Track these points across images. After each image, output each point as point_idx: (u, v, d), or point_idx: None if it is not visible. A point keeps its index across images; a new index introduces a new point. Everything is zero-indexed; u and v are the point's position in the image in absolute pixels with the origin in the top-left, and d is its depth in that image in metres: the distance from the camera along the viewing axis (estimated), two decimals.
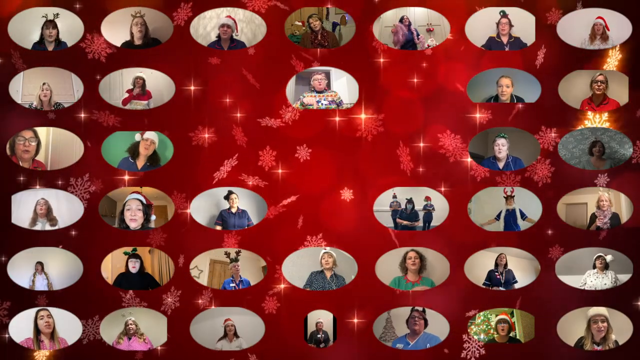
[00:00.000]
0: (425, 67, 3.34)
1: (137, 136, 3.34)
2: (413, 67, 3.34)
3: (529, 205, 3.33)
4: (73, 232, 3.35)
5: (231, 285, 3.37)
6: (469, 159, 3.33)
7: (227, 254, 3.37)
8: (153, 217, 3.34)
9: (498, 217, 3.36)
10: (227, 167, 3.34)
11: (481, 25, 3.37)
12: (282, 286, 3.36)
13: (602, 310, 3.29)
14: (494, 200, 3.36)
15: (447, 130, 3.33)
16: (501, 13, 3.38)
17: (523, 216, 3.34)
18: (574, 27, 3.32)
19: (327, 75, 3.41)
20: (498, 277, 3.35)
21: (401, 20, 3.40)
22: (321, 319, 3.39)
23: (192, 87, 3.33)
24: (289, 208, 3.35)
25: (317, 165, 3.35)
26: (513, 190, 3.33)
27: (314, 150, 3.34)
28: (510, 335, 3.36)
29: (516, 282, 3.35)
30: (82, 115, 3.34)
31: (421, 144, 3.33)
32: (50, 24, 3.37)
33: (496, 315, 3.36)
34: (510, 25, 3.37)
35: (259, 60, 3.35)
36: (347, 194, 3.34)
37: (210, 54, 3.34)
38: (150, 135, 3.35)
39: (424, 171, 3.34)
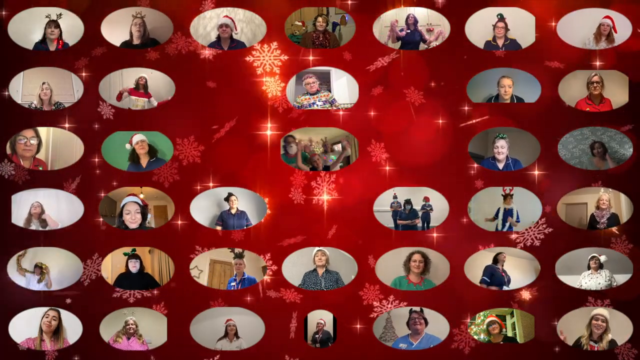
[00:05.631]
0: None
1: (127, 146, 3.37)
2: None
3: (527, 207, 3.33)
4: (72, 232, 3.36)
5: (231, 284, 3.37)
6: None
7: (232, 250, 3.37)
8: (149, 216, 3.38)
9: (496, 215, 3.36)
10: None
11: (480, 27, 3.38)
12: None
13: (603, 311, 3.30)
14: (493, 199, 3.36)
15: None
16: (499, 16, 3.37)
17: (518, 219, 3.34)
18: (575, 27, 3.33)
19: (318, 76, 3.40)
20: (503, 275, 3.34)
21: (407, 19, 3.40)
22: (322, 319, 3.40)
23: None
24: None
25: None
26: (512, 189, 3.33)
27: None
28: (503, 333, 3.36)
29: (509, 282, 3.35)
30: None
31: None
32: (52, 23, 3.38)
33: (487, 317, 3.37)
34: (507, 29, 3.37)
35: None
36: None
37: None
38: (138, 137, 3.37)
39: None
